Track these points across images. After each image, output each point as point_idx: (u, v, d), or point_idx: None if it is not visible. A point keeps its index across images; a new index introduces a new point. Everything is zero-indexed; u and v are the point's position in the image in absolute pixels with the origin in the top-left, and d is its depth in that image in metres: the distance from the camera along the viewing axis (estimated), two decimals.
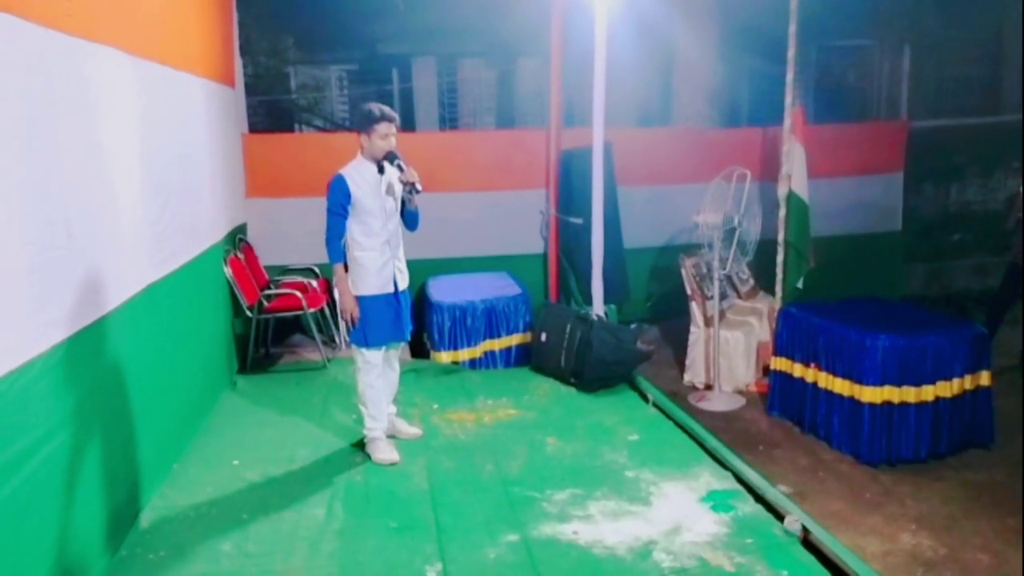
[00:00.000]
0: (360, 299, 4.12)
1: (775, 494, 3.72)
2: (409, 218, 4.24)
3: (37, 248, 2.70)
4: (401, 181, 4.06)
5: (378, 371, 4.23)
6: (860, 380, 4.62)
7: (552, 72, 6.71)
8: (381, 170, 4.06)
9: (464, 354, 5.96)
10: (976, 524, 3.93)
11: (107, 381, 3.34)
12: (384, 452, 4.26)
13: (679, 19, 7.55)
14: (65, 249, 2.93)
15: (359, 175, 4.05)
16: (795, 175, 5.77)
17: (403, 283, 4.26)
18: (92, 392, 3.14)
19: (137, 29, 3.87)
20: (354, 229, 4.07)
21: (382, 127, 4.00)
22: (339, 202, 4.01)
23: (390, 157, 4.04)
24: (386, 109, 4.04)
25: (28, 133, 2.67)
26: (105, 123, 3.39)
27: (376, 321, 4.14)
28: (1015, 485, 4.30)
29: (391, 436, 4.46)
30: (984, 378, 4.72)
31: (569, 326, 5.56)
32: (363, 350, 4.19)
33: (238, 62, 6.61)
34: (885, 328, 4.64)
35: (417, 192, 4.05)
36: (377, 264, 4.10)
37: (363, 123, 4.04)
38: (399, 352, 4.50)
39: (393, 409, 4.59)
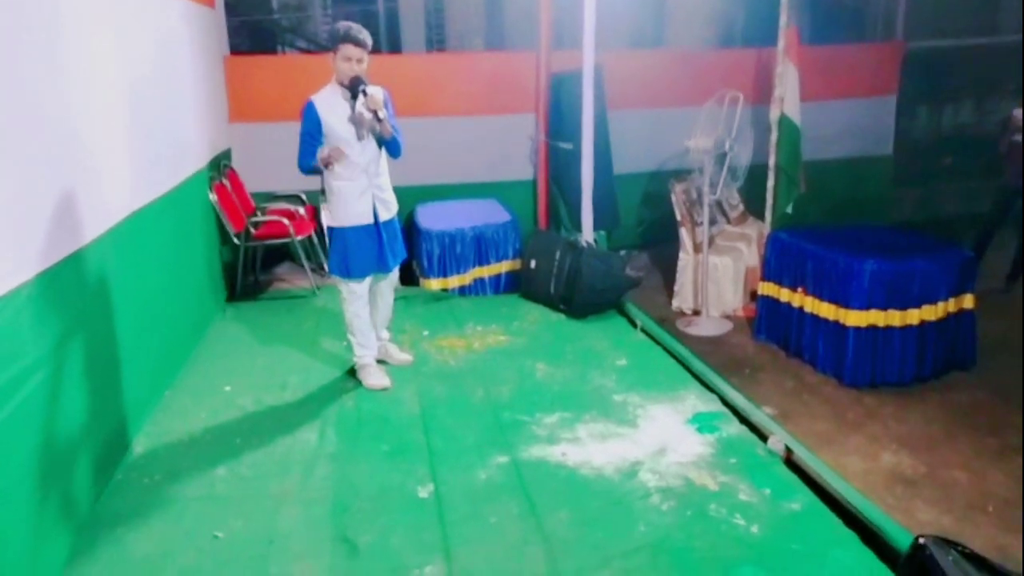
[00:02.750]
0: (340, 230, 4.03)
1: (759, 415, 3.79)
2: (387, 146, 4.03)
3: (12, 177, 2.64)
4: (366, 109, 3.81)
5: (363, 301, 4.19)
6: (846, 304, 4.67)
7: None
8: (355, 95, 3.80)
9: (454, 281, 5.97)
10: (956, 444, 4.02)
11: (93, 309, 3.32)
12: (375, 378, 4.28)
13: None
14: (43, 178, 2.88)
15: (331, 101, 3.86)
16: (788, 98, 5.68)
17: (387, 213, 4.11)
18: (78, 320, 3.13)
19: None
20: None
21: (345, 49, 3.75)
22: (308, 131, 3.85)
23: (356, 84, 3.76)
24: (354, 30, 3.76)
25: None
26: (78, 48, 3.27)
27: (357, 252, 4.05)
28: (995, 406, 4.39)
29: (381, 361, 4.47)
30: (968, 301, 4.77)
31: (558, 253, 5.55)
32: (347, 281, 4.13)
33: None
34: (872, 253, 4.66)
35: (379, 120, 3.81)
36: (355, 193, 3.97)
37: (329, 42, 3.84)
38: (392, 282, 4.41)
39: (386, 335, 4.58)
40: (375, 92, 3.77)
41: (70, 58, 3.18)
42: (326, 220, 4.10)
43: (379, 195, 4.06)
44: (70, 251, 3.07)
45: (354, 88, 3.78)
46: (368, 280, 4.19)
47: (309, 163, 3.91)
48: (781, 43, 5.65)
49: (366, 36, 3.81)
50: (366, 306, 4.23)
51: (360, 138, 3.91)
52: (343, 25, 3.82)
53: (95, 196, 3.36)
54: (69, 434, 2.99)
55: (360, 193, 3.99)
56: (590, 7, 5.52)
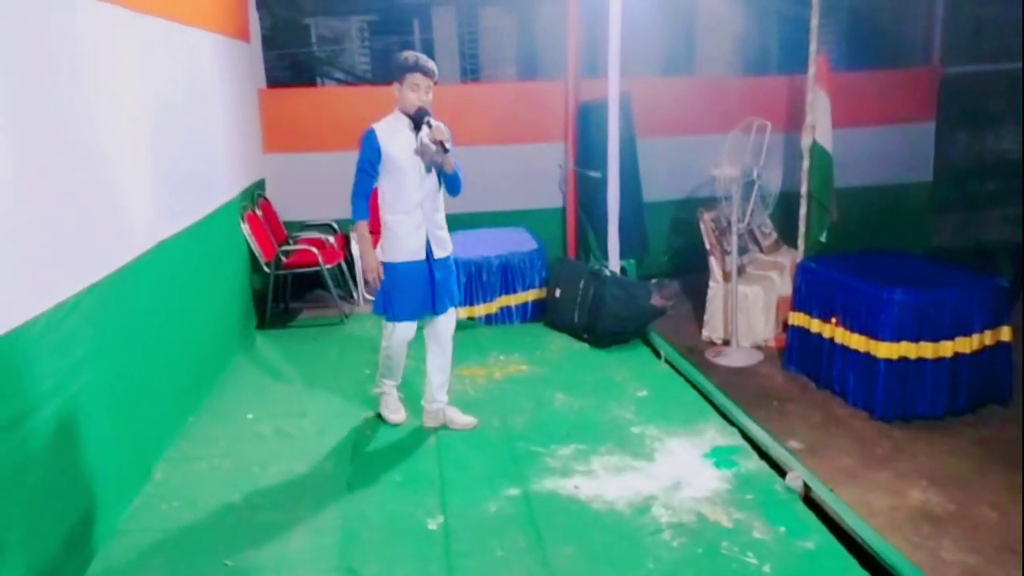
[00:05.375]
0: (388, 266, 3.83)
1: (779, 450, 3.70)
2: (447, 182, 3.86)
3: (35, 206, 2.74)
4: (431, 140, 3.68)
5: (402, 348, 4.00)
6: (876, 335, 4.55)
7: (570, 21, 6.58)
8: (417, 126, 3.71)
9: (480, 310, 5.97)
10: (988, 480, 3.87)
11: (118, 338, 3.40)
12: (390, 410, 4.23)
13: None
14: (68, 207, 2.97)
15: (393, 130, 3.73)
16: (819, 125, 5.60)
17: (442, 251, 3.90)
18: (103, 348, 3.21)
19: None
20: (385, 189, 3.79)
21: (413, 77, 3.65)
22: (368, 159, 3.72)
23: (421, 114, 3.66)
24: (422, 59, 3.69)
25: (24, 93, 2.68)
26: (105, 80, 3.40)
27: (404, 291, 3.84)
28: None
29: (444, 425, 4.16)
30: (1005, 333, 4.61)
31: (582, 282, 5.53)
32: (391, 323, 3.92)
33: (254, 16, 6.58)
34: (902, 282, 4.55)
35: (445, 151, 3.66)
36: (409, 228, 3.78)
37: (395, 71, 3.72)
38: (451, 330, 4.08)
39: (444, 398, 4.18)
40: (440, 124, 3.67)
41: (96, 89, 3.30)
42: (378, 255, 3.89)
43: (434, 232, 3.87)
44: (97, 279, 3.16)
45: (419, 118, 3.68)
46: (413, 326, 3.95)
47: (363, 202, 3.77)
48: (811, 70, 5.60)
49: (434, 66, 3.72)
50: (404, 349, 4.03)
51: (427, 170, 3.79)
52: (411, 55, 3.73)
53: (121, 226, 3.47)
54: (92, 457, 3.06)
55: (415, 228, 3.80)
56: (615, 36, 5.54)
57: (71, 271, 2.97)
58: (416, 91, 3.68)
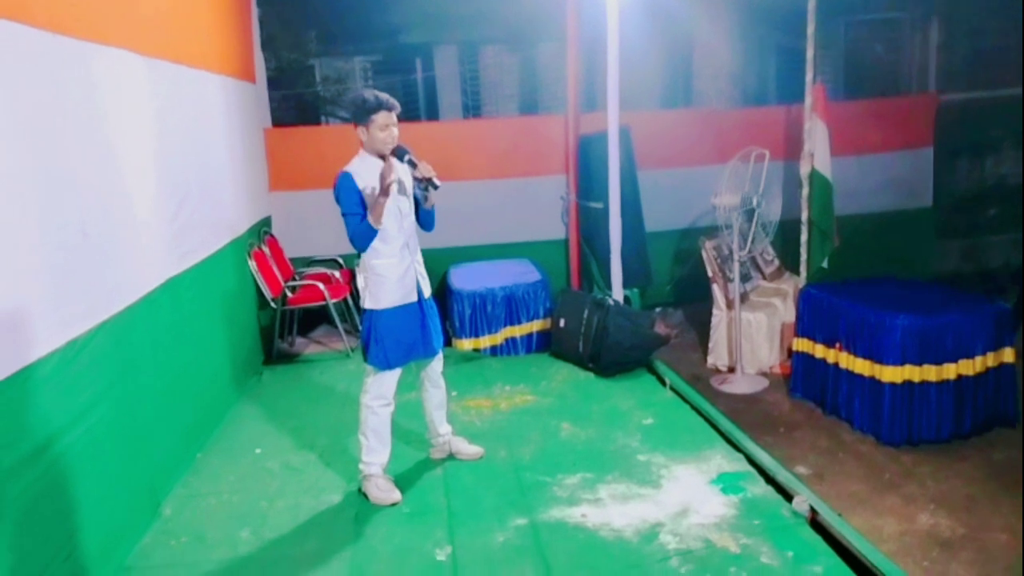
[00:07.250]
0: (381, 313, 3.67)
1: (786, 475, 3.70)
2: (425, 218, 3.80)
3: (51, 247, 2.80)
4: (415, 178, 3.63)
5: (388, 399, 3.76)
6: (880, 360, 4.57)
7: (568, 57, 6.70)
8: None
9: (485, 341, 6.01)
10: (997, 503, 3.86)
11: (127, 375, 3.44)
12: (383, 491, 3.76)
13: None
14: (80, 248, 3.04)
15: (367, 172, 3.53)
16: (817, 153, 5.68)
17: (427, 290, 3.83)
18: (112, 385, 3.26)
19: (150, 30, 3.97)
20: None
21: (381, 117, 3.51)
22: (355, 200, 3.51)
23: (399, 152, 3.57)
24: (383, 96, 3.53)
25: (37, 138, 2.76)
26: (117, 124, 3.48)
27: (397, 336, 3.67)
28: None
29: (451, 456, 4.17)
30: (1007, 355, 4.62)
31: (586, 311, 5.57)
32: (380, 372, 3.70)
33: (259, 57, 6.72)
34: (905, 307, 4.57)
35: (436, 188, 3.60)
36: (398, 272, 3.66)
37: (359, 114, 3.54)
38: (441, 365, 4.01)
39: (448, 428, 4.17)
40: (424, 162, 3.59)
41: (110, 132, 3.39)
42: (366, 303, 3.71)
43: (420, 271, 3.80)
44: (104, 318, 3.21)
45: (399, 157, 3.59)
46: (398, 373, 3.78)
47: (367, 227, 3.52)
48: (808, 100, 5.69)
49: (395, 100, 3.58)
50: (390, 404, 3.80)
51: (424, 203, 3.74)
52: (370, 94, 3.54)
53: (130, 265, 3.53)
54: (99, 495, 3.08)
55: (404, 271, 3.69)
56: (613, 70, 5.64)
57: (82, 309, 3.03)
58: (386, 130, 3.54)
